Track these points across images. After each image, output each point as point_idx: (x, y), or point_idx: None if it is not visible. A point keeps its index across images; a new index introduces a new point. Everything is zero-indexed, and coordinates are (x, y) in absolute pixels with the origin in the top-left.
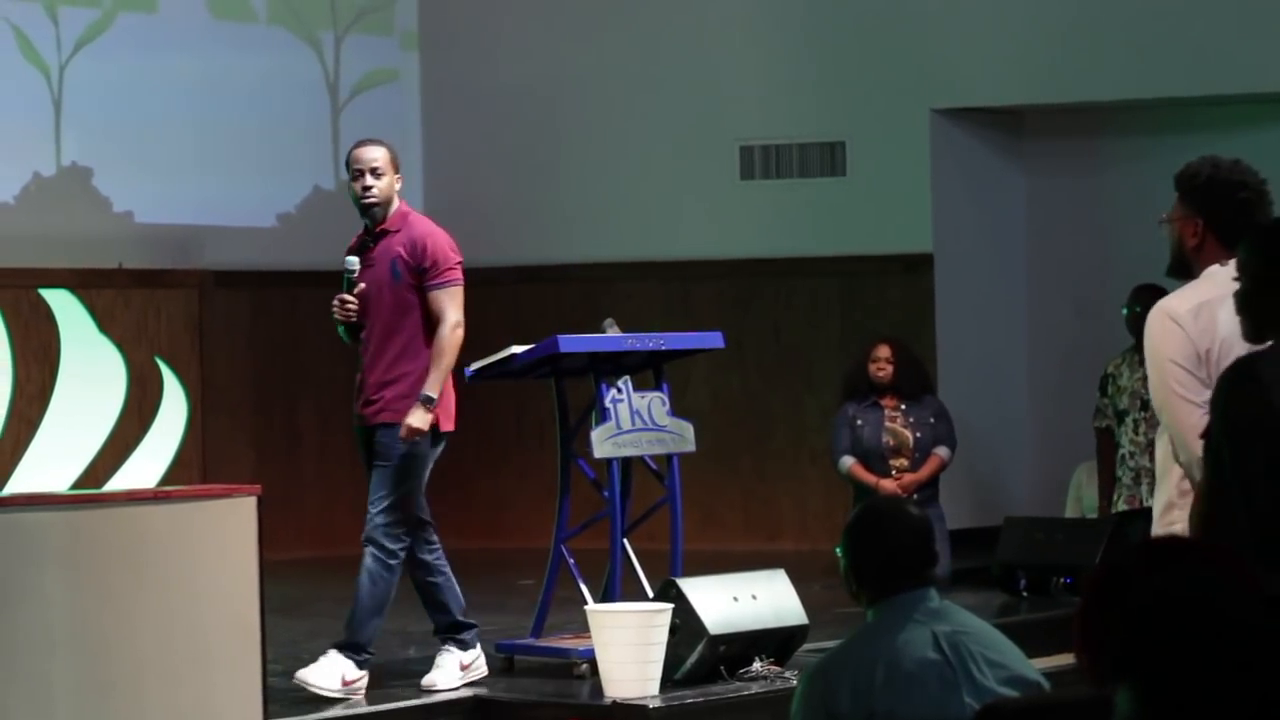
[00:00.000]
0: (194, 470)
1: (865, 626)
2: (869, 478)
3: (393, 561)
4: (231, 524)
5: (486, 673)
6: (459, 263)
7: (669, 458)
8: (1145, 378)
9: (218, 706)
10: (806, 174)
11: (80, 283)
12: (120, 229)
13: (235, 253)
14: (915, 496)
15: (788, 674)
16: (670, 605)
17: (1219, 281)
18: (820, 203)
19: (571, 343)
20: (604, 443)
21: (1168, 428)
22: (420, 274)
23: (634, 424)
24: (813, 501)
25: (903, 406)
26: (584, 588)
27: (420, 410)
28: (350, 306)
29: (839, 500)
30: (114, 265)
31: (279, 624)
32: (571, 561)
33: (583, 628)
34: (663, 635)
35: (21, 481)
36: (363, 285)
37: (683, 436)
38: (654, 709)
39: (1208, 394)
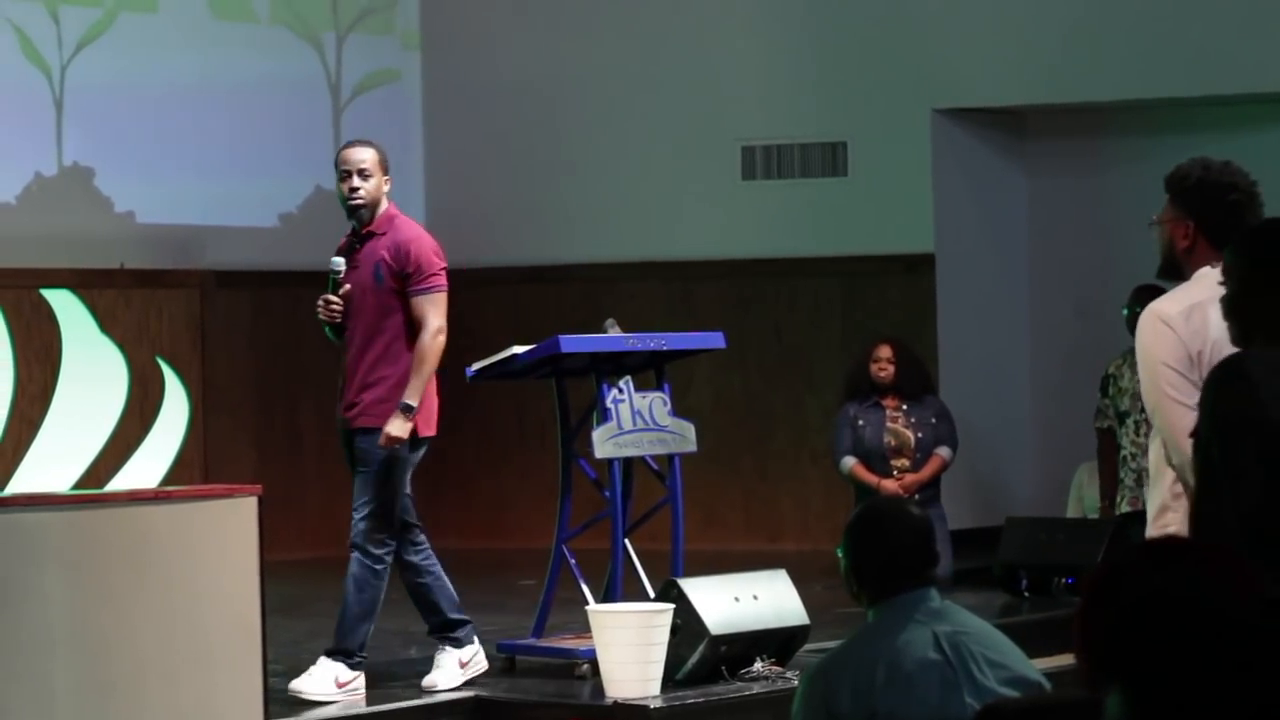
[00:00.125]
0: (195, 470)
1: (866, 627)
2: (870, 478)
3: (378, 566)
4: (232, 524)
5: (486, 667)
6: (443, 268)
7: (670, 458)
8: None
9: (218, 706)
10: (808, 174)
11: (82, 283)
12: (121, 229)
13: (236, 253)
14: (917, 497)
15: (789, 674)
16: (671, 605)
17: (1210, 283)
18: (822, 203)
19: (573, 343)
20: (605, 443)
21: (1160, 430)
22: (403, 278)
23: (635, 424)
24: (814, 502)
25: (904, 407)
26: (585, 588)
27: (399, 419)
28: (335, 307)
29: (840, 500)
30: (115, 265)
31: (280, 624)
32: (573, 562)
33: (584, 628)
34: (664, 635)
35: (23, 481)
36: (348, 286)
37: (684, 437)
38: (655, 709)
39: (1199, 396)
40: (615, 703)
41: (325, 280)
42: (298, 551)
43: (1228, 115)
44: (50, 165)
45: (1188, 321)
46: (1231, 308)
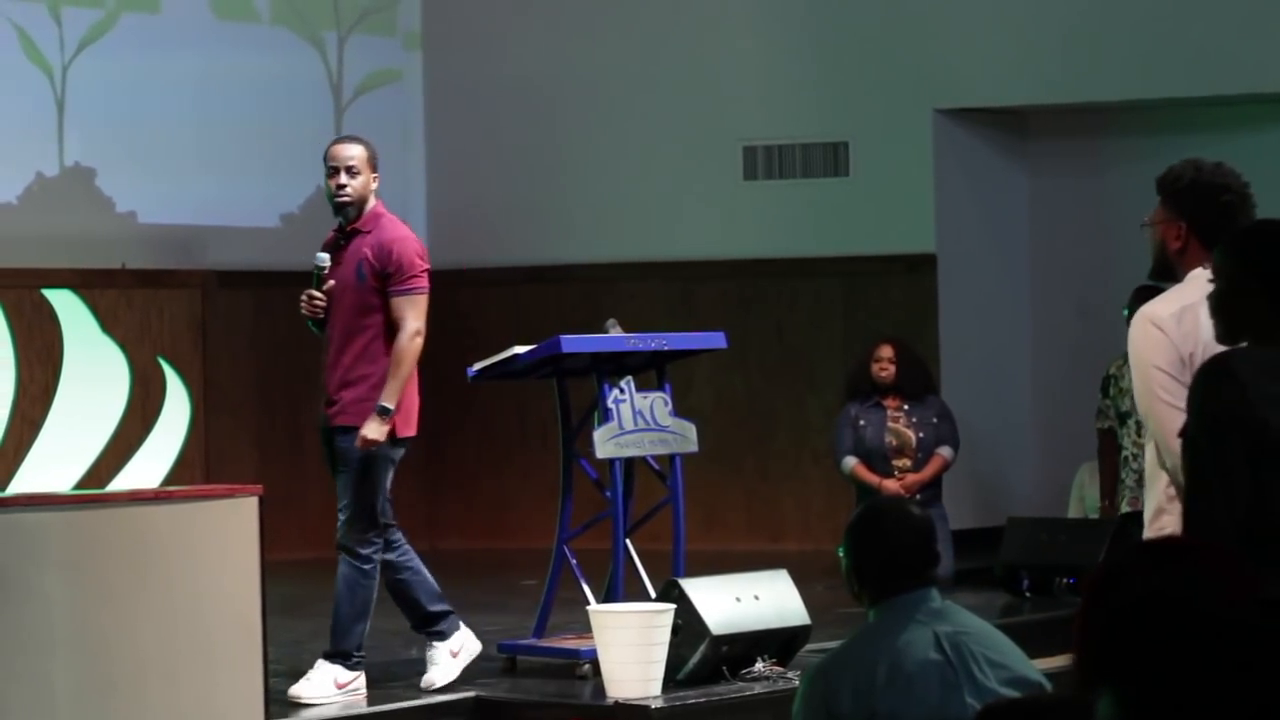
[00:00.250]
0: (197, 470)
1: (867, 627)
2: (872, 478)
3: (367, 566)
4: (233, 524)
5: (479, 648)
6: (425, 270)
7: (671, 458)
8: None
9: (219, 706)
10: (809, 174)
11: (83, 283)
12: (123, 229)
13: (238, 253)
14: (918, 497)
15: (790, 674)
16: (673, 605)
17: (1202, 285)
18: (823, 203)
19: (574, 343)
20: (606, 443)
21: (1153, 433)
22: (384, 278)
23: (636, 424)
24: (815, 502)
25: (905, 407)
26: (586, 588)
27: (375, 421)
28: (318, 303)
29: (842, 500)
30: (117, 265)
31: (281, 624)
32: (574, 562)
33: (585, 628)
34: (665, 636)
35: (25, 482)
36: (331, 282)
37: (685, 437)
38: (656, 709)
39: None
40: (616, 703)
41: (310, 277)
42: (299, 551)
43: (1228, 115)
44: (52, 165)
45: (1179, 324)
46: (1219, 306)
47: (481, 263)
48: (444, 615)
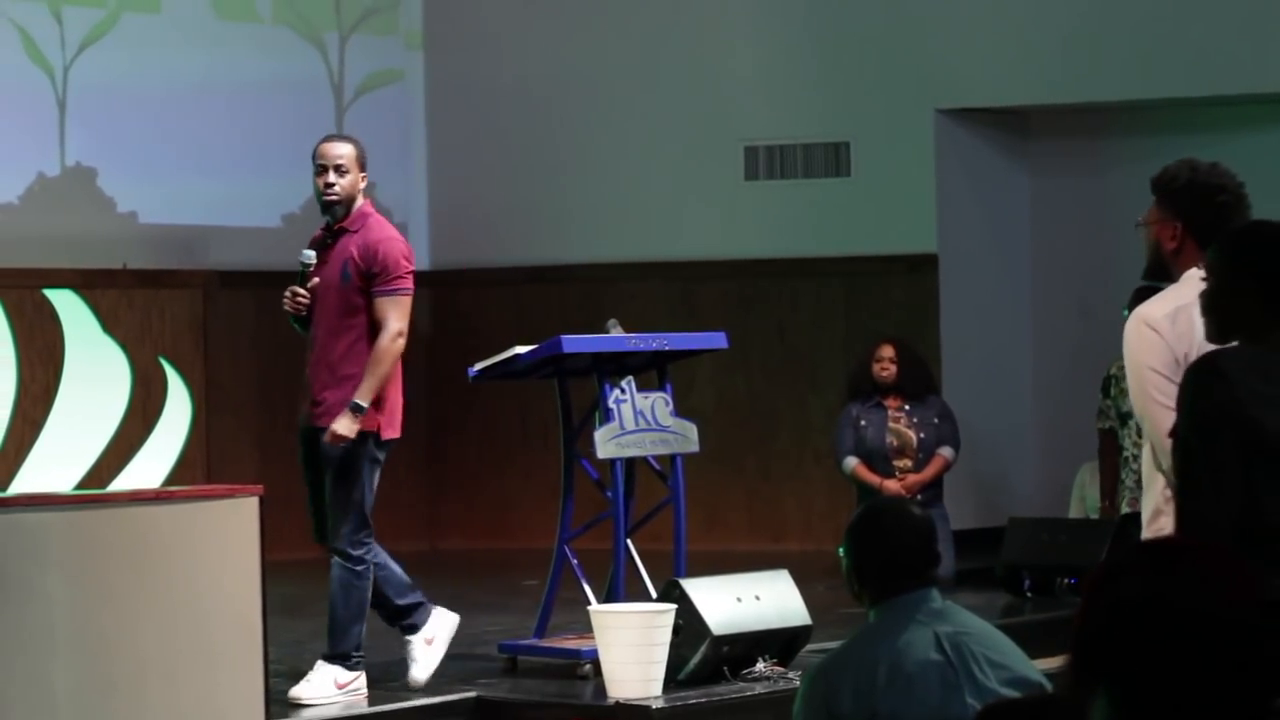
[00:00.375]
0: (198, 470)
1: (867, 627)
2: (873, 478)
3: (359, 568)
4: (234, 524)
5: (456, 620)
6: (410, 272)
7: (672, 458)
8: None
9: (220, 706)
10: (811, 174)
11: (84, 283)
12: (124, 229)
13: (239, 253)
14: (919, 497)
15: (791, 674)
16: (673, 606)
17: (1196, 285)
18: (824, 203)
19: (575, 343)
20: (607, 443)
21: (1148, 435)
22: (369, 278)
23: (637, 424)
24: (817, 502)
25: (906, 407)
26: (587, 588)
27: (348, 417)
28: (301, 299)
29: (843, 501)
30: (118, 265)
31: (281, 624)
32: (575, 562)
33: (586, 628)
34: (666, 636)
35: (26, 482)
36: (316, 280)
37: (686, 437)
38: (657, 709)
39: None
40: (617, 703)
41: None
42: (299, 551)
43: (1229, 116)
44: (53, 165)
45: (1173, 325)
46: (1211, 305)
47: (483, 263)
48: (414, 607)
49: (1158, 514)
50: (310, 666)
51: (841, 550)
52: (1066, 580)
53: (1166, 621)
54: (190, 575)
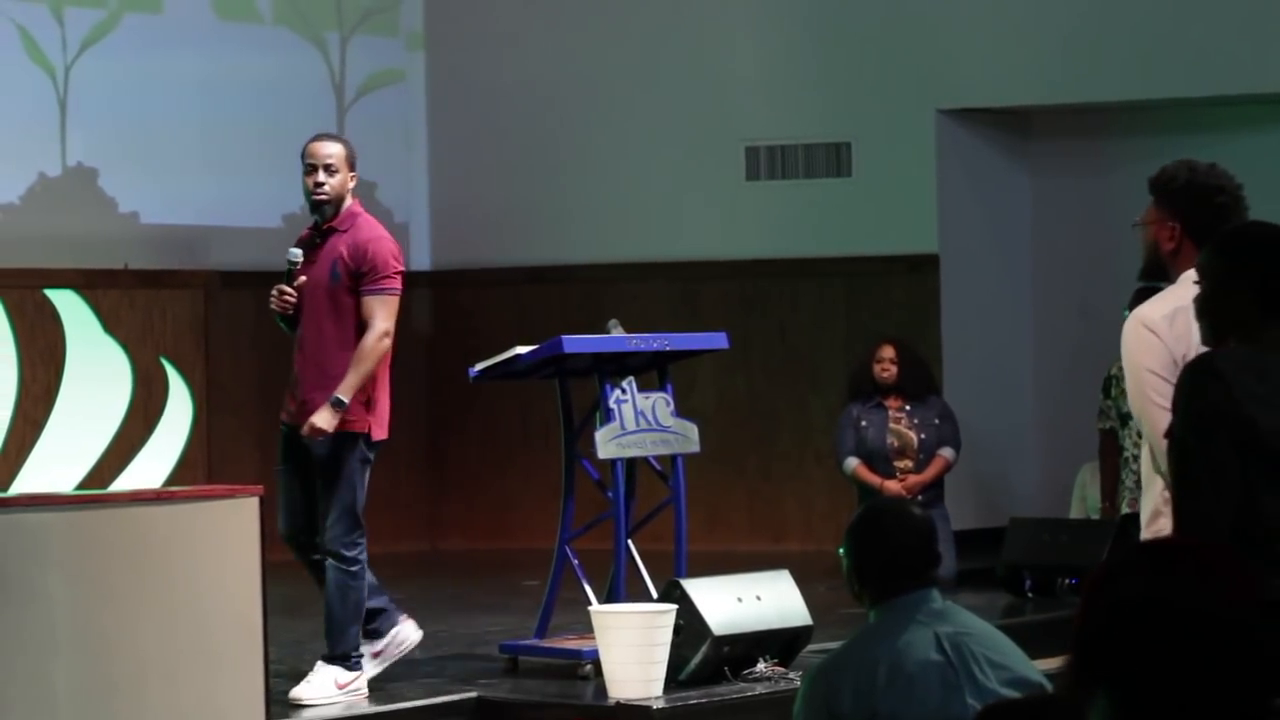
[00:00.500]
0: (199, 470)
1: (867, 627)
2: (873, 479)
3: (353, 568)
4: (234, 524)
5: (417, 639)
6: (399, 272)
7: (673, 458)
8: None
9: (220, 707)
10: (812, 174)
11: (85, 283)
12: (125, 229)
13: (240, 253)
14: (920, 497)
15: (792, 675)
16: (674, 606)
17: (1193, 286)
18: (825, 203)
19: (575, 343)
20: (608, 443)
21: (1146, 437)
22: (358, 277)
23: (638, 425)
24: (818, 502)
25: (907, 407)
26: (588, 588)
27: (326, 411)
28: (288, 298)
29: (844, 501)
30: (119, 266)
31: (281, 624)
32: (576, 562)
33: (587, 628)
34: (667, 636)
35: (27, 482)
36: (303, 279)
37: (687, 437)
38: (658, 710)
39: None
40: (618, 703)
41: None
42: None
43: (1231, 116)
44: (54, 165)
45: (1171, 326)
46: (1204, 307)
47: (484, 263)
48: (378, 612)
49: (1156, 515)
50: (310, 667)
51: (842, 551)
52: (1067, 580)
53: (1166, 622)
54: (191, 575)
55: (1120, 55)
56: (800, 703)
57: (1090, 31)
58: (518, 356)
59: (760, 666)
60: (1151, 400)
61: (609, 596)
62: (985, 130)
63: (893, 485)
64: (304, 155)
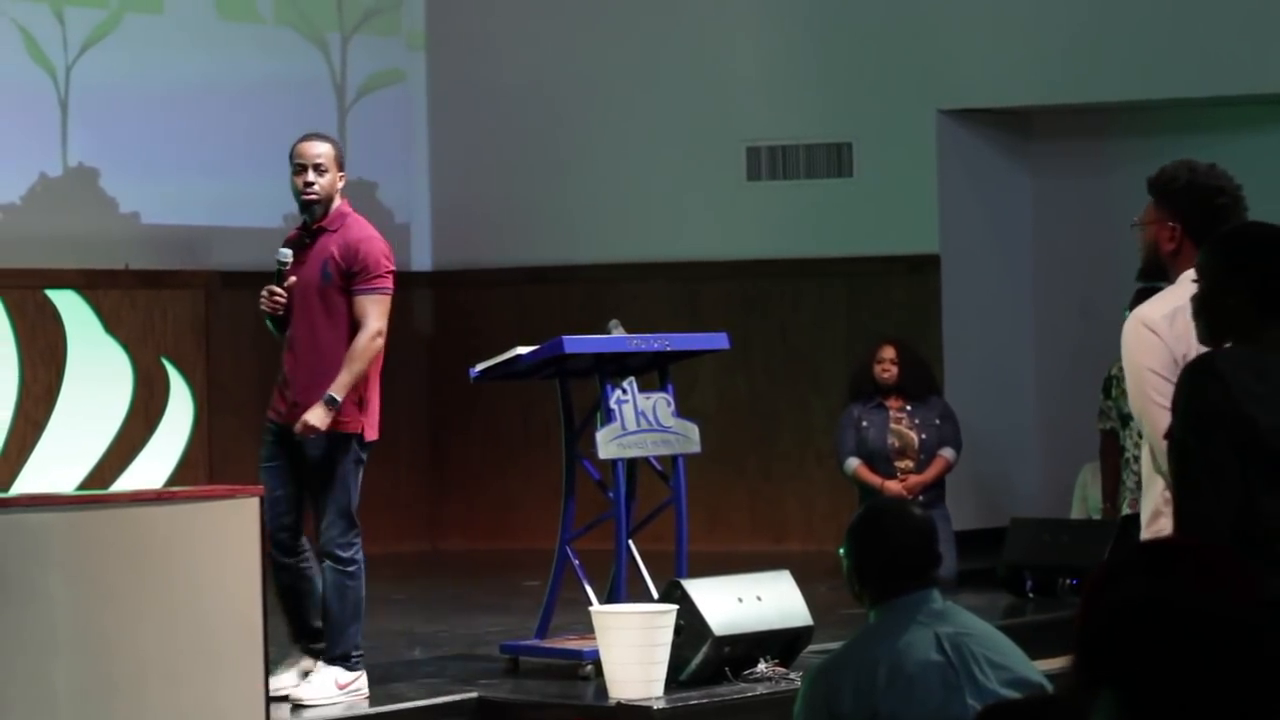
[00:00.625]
0: (200, 470)
1: (868, 627)
2: (874, 479)
3: (350, 568)
4: (234, 524)
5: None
6: (390, 271)
7: (674, 459)
8: None
9: (220, 707)
10: (813, 175)
11: (86, 283)
12: (126, 229)
13: (241, 253)
14: (920, 498)
15: (792, 675)
16: (675, 606)
17: (1193, 286)
18: (826, 204)
19: (576, 343)
20: (609, 444)
21: (1147, 437)
22: (350, 277)
23: (639, 425)
24: (819, 503)
25: (908, 408)
26: (589, 589)
27: (320, 409)
28: (278, 299)
29: (845, 501)
30: (120, 266)
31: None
32: (576, 562)
33: (588, 629)
34: (667, 636)
35: (28, 482)
36: (293, 279)
37: (687, 438)
38: (658, 710)
39: None
40: (618, 703)
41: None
42: None
43: (1233, 116)
44: (55, 166)
45: (1172, 326)
46: (1202, 307)
47: (485, 263)
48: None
49: (1157, 515)
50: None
51: (842, 551)
52: (1068, 581)
53: (1167, 622)
54: (191, 575)
55: (1121, 56)
56: (800, 703)
57: (1091, 32)
58: (519, 357)
59: (761, 667)
60: (1152, 400)
61: (610, 597)
62: (986, 130)
63: (893, 485)
64: (292, 155)
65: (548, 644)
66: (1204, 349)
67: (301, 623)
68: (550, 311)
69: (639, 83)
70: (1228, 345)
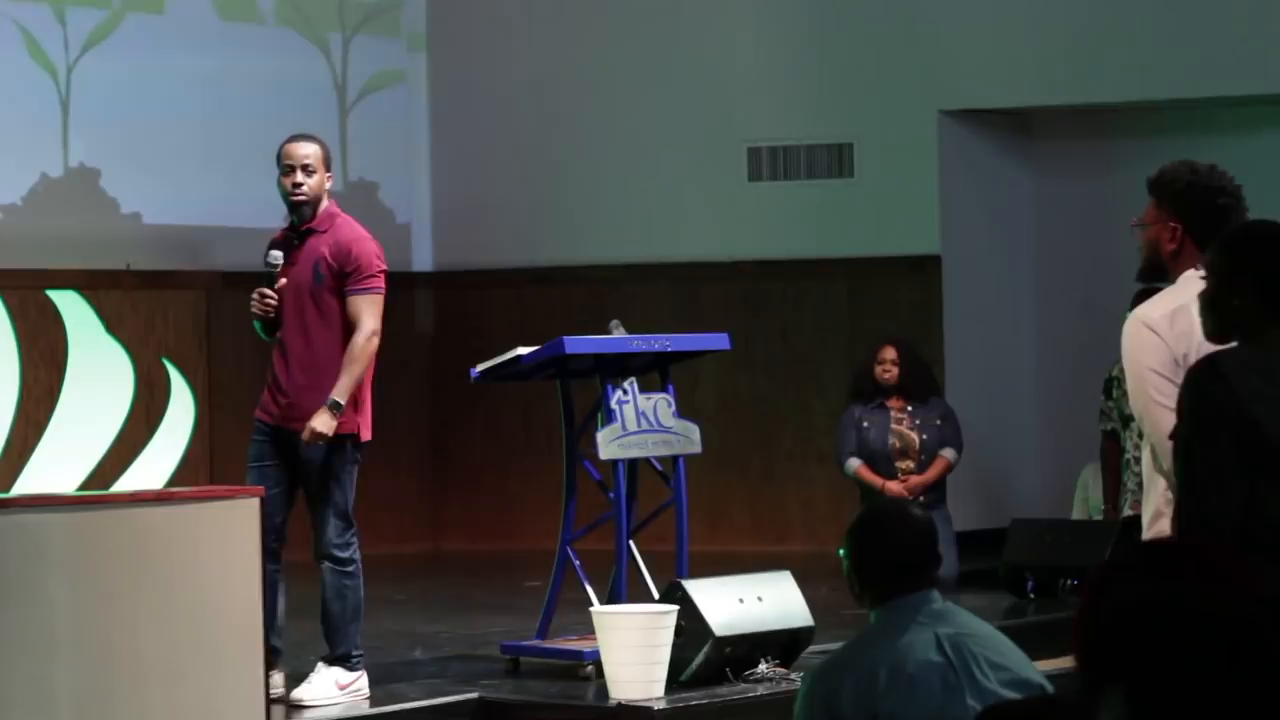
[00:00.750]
0: (201, 470)
1: (868, 628)
2: (875, 480)
3: (350, 568)
4: (235, 525)
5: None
6: (382, 271)
7: (675, 459)
8: None
9: (221, 708)
10: (814, 175)
11: (88, 284)
12: (127, 230)
13: (242, 254)
14: (922, 498)
15: (793, 676)
16: (676, 607)
17: (1194, 285)
18: (828, 204)
19: (577, 344)
20: (609, 444)
21: (1148, 436)
22: (342, 277)
23: (640, 425)
24: (820, 503)
25: (909, 408)
26: (590, 589)
27: (325, 415)
28: (270, 301)
29: (846, 502)
30: (121, 266)
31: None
32: (577, 563)
33: (588, 629)
34: (668, 637)
35: (29, 483)
36: (284, 281)
37: (688, 438)
38: (659, 710)
39: None
40: (619, 704)
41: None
42: (301, 553)
43: (1235, 117)
44: (56, 166)
45: (1173, 325)
46: (1210, 303)
47: (486, 264)
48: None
49: (1158, 515)
50: (311, 668)
51: (842, 551)
52: (1070, 581)
53: (1171, 622)
54: (191, 576)
55: (1123, 56)
56: (801, 703)
57: (1093, 32)
58: (519, 357)
59: (762, 667)
60: (1154, 400)
61: (610, 597)
62: (987, 131)
63: (894, 486)
64: (280, 156)
65: (549, 644)
66: (1205, 349)
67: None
68: (551, 312)
69: (641, 83)
70: (1234, 344)
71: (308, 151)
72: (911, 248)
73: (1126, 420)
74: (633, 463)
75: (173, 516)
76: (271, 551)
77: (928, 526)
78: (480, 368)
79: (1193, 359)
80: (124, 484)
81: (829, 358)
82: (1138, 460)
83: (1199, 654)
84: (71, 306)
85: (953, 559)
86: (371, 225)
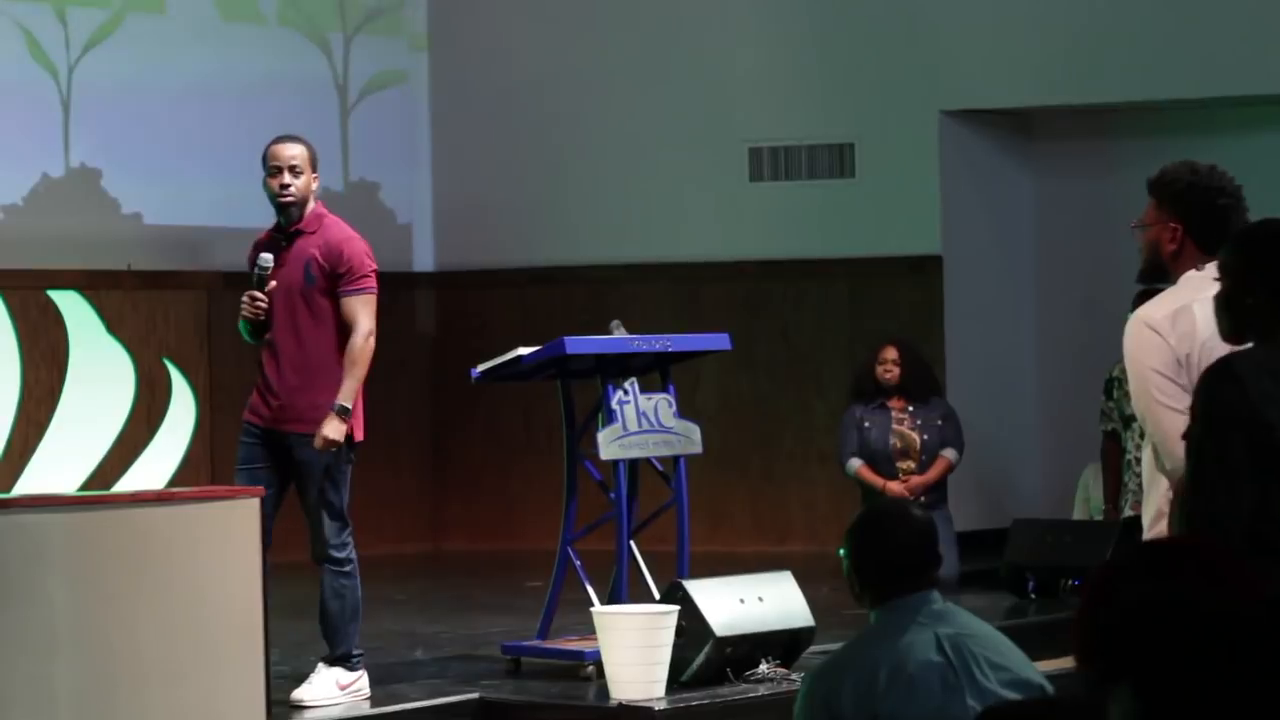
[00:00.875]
0: (202, 471)
1: (868, 628)
2: (876, 480)
3: (347, 568)
4: (235, 525)
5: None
6: (374, 271)
7: (676, 459)
8: None
9: (221, 708)
10: (815, 176)
11: (88, 284)
12: (128, 230)
13: (243, 254)
14: (923, 498)
15: (794, 676)
16: (676, 607)
17: (1196, 286)
18: (829, 204)
19: (578, 344)
20: (610, 444)
21: (1151, 436)
22: (334, 279)
23: (640, 425)
24: (821, 503)
25: (910, 408)
26: (590, 589)
27: (335, 421)
28: (260, 304)
29: (847, 502)
30: (122, 266)
31: (283, 626)
32: (578, 563)
33: (589, 629)
34: (669, 637)
35: (30, 483)
36: (274, 283)
37: (689, 438)
38: (660, 711)
39: (1189, 400)
40: (620, 704)
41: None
42: (301, 553)
43: (1236, 117)
44: (57, 166)
45: (1175, 325)
46: (1225, 303)
47: (487, 264)
48: None
49: (1160, 516)
50: (312, 668)
51: (842, 552)
52: (1071, 581)
53: (1174, 622)
54: (192, 577)
55: (1123, 56)
56: (801, 703)
57: (1093, 32)
58: (520, 357)
59: (762, 668)
60: (1156, 400)
61: (611, 597)
62: (988, 131)
63: (895, 486)
64: (266, 158)
65: (549, 644)
66: (1208, 350)
67: None
68: (552, 312)
69: (642, 83)
70: (1248, 345)
71: (294, 152)
72: (912, 248)
73: (1127, 420)
74: (633, 463)
75: (173, 517)
76: None
77: (928, 527)
78: (481, 368)
79: (1196, 358)
80: (125, 484)
81: (830, 358)
82: (1139, 460)
83: (1200, 653)
84: (72, 307)
85: (953, 559)
86: (372, 225)
